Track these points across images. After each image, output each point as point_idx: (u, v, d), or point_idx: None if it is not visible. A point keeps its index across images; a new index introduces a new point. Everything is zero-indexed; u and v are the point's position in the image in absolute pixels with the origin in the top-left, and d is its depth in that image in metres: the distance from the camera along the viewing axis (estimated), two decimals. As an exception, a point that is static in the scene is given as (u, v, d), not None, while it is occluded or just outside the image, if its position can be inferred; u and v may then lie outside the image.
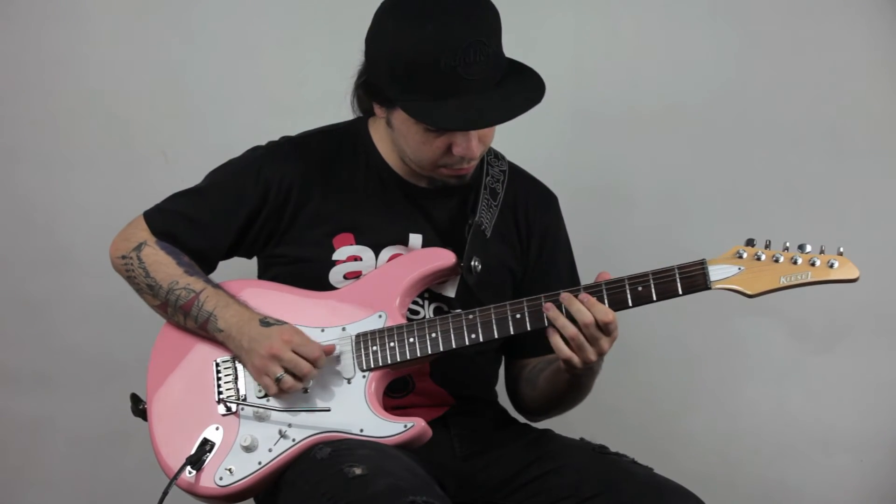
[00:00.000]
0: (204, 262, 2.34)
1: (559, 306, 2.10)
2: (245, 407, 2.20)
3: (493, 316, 2.16)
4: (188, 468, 2.17)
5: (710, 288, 2.07)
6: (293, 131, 2.42)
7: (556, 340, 2.10)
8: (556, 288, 2.17)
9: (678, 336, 3.14)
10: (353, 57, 2.28)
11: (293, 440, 2.16)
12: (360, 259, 2.29)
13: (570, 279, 2.41)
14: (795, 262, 2.05)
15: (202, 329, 2.25)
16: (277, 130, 2.44)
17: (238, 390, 2.23)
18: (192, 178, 2.40)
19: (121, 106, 3.21)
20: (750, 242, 2.08)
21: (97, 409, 3.22)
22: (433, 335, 2.18)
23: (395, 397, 2.27)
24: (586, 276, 2.38)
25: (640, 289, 2.09)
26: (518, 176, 2.42)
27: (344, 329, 2.22)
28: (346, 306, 2.24)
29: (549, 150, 3.08)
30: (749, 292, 2.06)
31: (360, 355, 2.19)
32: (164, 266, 2.28)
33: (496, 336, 2.16)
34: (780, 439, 3.16)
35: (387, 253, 2.29)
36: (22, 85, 3.22)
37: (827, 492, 3.16)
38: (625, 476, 2.16)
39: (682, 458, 3.03)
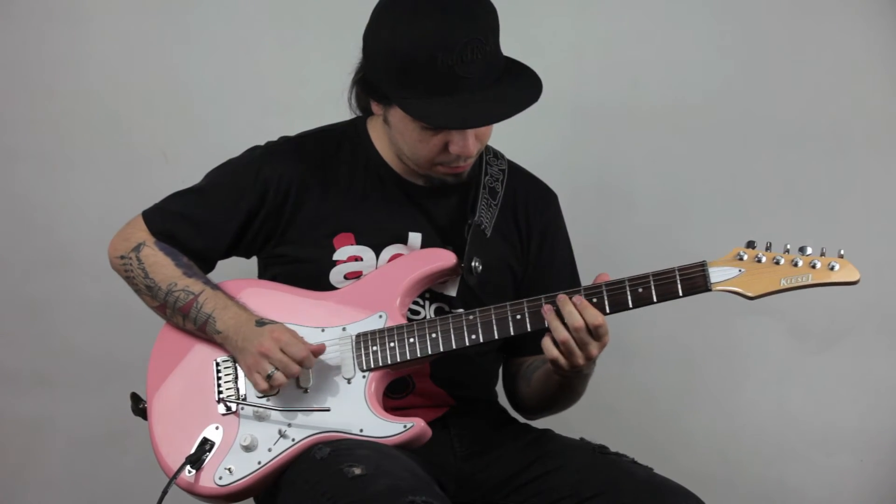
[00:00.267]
0: (203, 262, 2.34)
1: (557, 309, 2.10)
2: (245, 406, 2.20)
3: (493, 316, 2.16)
4: (188, 468, 2.17)
5: (710, 290, 2.07)
6: (293, 131, 2.42)
7: (546, 341, 2.10)
8: (556, 286, 2.18)
9: (678, 336, 3.14)
10: (352, 57, 2.28)
11: (293, 440, 2.16)
12: (361, 259, 2.29)
13: (570, 277, 2.41)
14: (796, 265, 2.05)
15: (201, 331, 2.25)
16: (277, 130, 2.44)
17: (238, 390, 2.23)
18: (191, 177, 2.40)
19: (121, 106, 3.21)
20: (750, 244, 2.08)
21: (97, 409, 3.21)
22: (433, 335, 2.17)
23: (395, 398, 2.27)
24: (586, 276, 2.37)
25: (640, 290, 2.09)
26: (517, 174, 2.42)
27: (344, 329, 2.22)
28: (346, 306, 2.24)
29: (549, 150, 3.08)
30: (749, 294, 2.06)
31: (361, 355, 2.19)
32: (162, 267, 2.28)
33: (496, 337, 2.16)
34: (779, 439, 3.16)
35: (387, 253, 2.29)
36: (22, 85, 3.22)
37: (827, 492, 3.16)
38: (625, 476, 2.16)
39: (682, 458, 3.03)
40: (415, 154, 2.24)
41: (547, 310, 2.10)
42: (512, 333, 2.15)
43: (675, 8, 3.15)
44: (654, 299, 2.08)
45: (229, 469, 2.17)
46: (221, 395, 2.23)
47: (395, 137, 2.26)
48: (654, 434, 3.15)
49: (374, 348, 2.19)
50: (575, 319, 2.07)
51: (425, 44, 2.10)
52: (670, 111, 3.15)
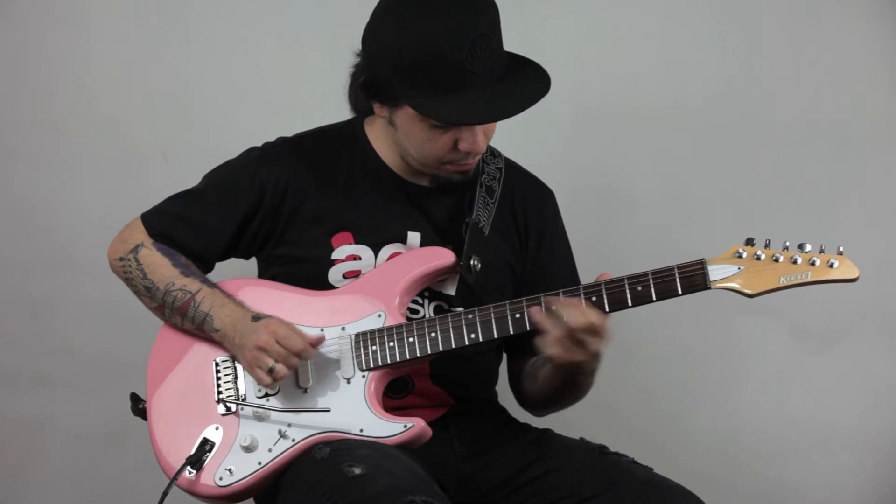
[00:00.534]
0: (201, 263, 2.34)
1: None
2: (245, 407, 2.20)
3: (492, 315, 2.16)
4: (188, 468, 2.17)
5: (709, 288, 2.07)
6: (293, 131, 2.42)
7: (539, 339, 2.09)
8: (556, 283, 2.18)
9: (678, 336, 3.14)
10: (353, 57, 2.27)
11: (293, 440, 2.16)
12: (360, 258, 2.29)
13: (569, 274, 2.41)
14: (795, 262, 2.04)
15: (199, 330, 2.25)
16: (277, 130, 2.44)
17: (238, 390, 2.23)
18: (191, 178, 2.40)
19: (120, 106, 3.21)
20: (749, 242, 2.08)
21: (97, 409, 3.21)
22: (433, 335, 2.17)
23: (394, 398, 2.27)
24: (586, 276, 2.38)
25: (639, 288, 2.08)
26: (514, 172, 2.42)
27: (343, 328, 2.22)
28: (345, 306, 2.24)
29: (550, 150, 3.08)
30: (749, 292, 2.06)
31: (360, 355, 2.19)
32: (160, 267, 2.28)
33: (496, 336, 2.16)
34: (779, 439, 3.16)
35: (386, 252, 2.29)
36: (22, 85, 3.22)
37: (827, 492, 3.16)
38: (625, 476, 2.16)
39: (682, 458, 3.03)
40: (423, 154, 2.24)
41: (535, 311, 2.10)
42: (511, 332, 2.15)
43: (675, 8, 3.15)
44: (654, 297, 2.08)
45: (229, 469, 2.17)
46: (221, 396, 2.23)
47: (400, 139, 2.26)
48: (654, 434, 3.15)
49: (374, 348, 2.19)
50: (574, 320, 2.05)
51: (433, 42, 2.09)
52: (670, 111, 3.15)
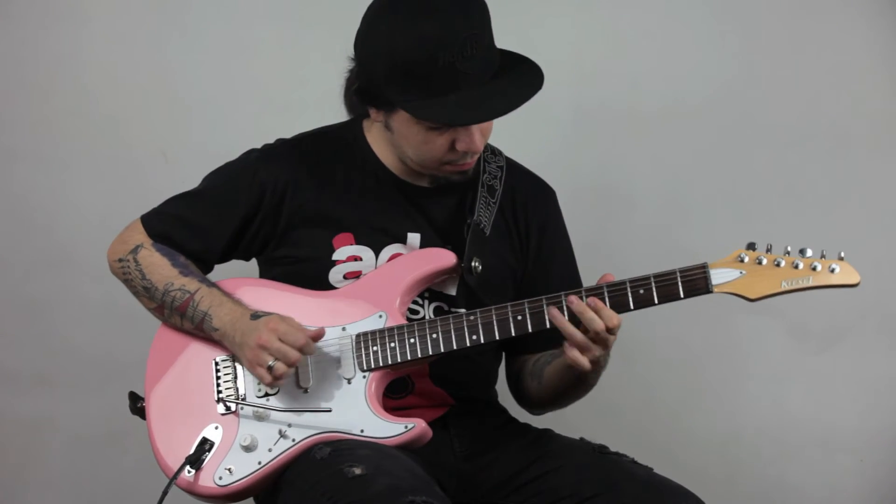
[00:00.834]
0: (200, 265, 2.34)
1: (562, 310, 2.10)
2: (244, 406, 2.20)
3: (494, 317, 2.16)
4: (188, 468, 2.17)
5: (711, 292, 2.07)
6: (293, 131, 2.42)
7: (566, 347, 2.10)
8: (556, 283, 2.19)
9: (678, 336, 3.14)
10: (350, 59, 2.27)
11: (293, 440, 2.16)
12: (360, 259, 2.29)
13: (570, 274, 2.41)
14: (797, 267, 2.04)
15: (199, 329, 2.25)
16: (277, 130, 2.44)
17: (237, 389, 2.23)
18: (192, 178, 2.40)
19: (120, 106, 3.21)
20: (751, 246, 2.08)
21: (97, 409, 3.21)
22: (434, 336, 2.17)
23: (394, 398, 2.27)
24: (587, 276, 2.37)
25: (641, 292, 2.08)
26: (515, 171, 2.42)
27: (344, 329, 2.22)
28: (346, 306, 2.24)
29: (550, 150, 3.08)
30: (750, 297, 2.06)
31: (361, 355, 2.19)
32: (159, 268, 2.28)
33: (497, 337, 2.15)
34: (780, 439, 3.16)
35: (387, 252, 2.29)
36: (22, 85, 3.22)
37: (827, 491, 3.16)
38: (625, 476, 2.16)
39: (682, 457, 3.03)
40: (421, 156, 2.24)
41: (555, 314, 2.10)
42: (513, 334, 2.15)
43: (675, 8, 3.15)
44: (656, 301, 2.08)
45: (229, 469, 2.17)
46: (221, 395, 2.22)
47: (398, 142, 2.26)
48: (654, 434, 3.16)
49: (375, 348, 2.19)
50: (596, 324, 2.07)
51: (424, 44, 2.09)
52: (670, 111, 3.15)
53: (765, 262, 2.06)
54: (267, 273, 2.36)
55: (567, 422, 2.43)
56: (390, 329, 2.19)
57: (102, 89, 3.21)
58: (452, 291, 2.30)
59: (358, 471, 1.99)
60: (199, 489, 2.18)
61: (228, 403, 2.21)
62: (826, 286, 2.04)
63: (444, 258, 2.25)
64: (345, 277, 2.28)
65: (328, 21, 3.12)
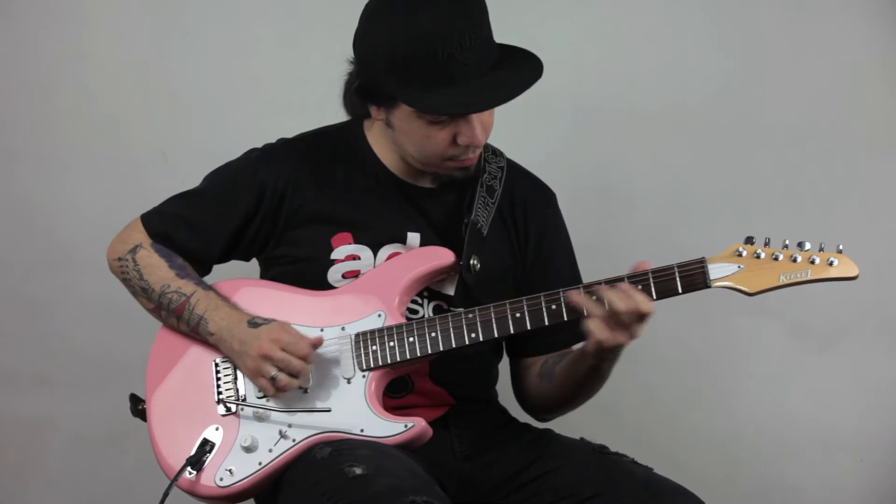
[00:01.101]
0: (199, 264, 2.34)
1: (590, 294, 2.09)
2: (245, 407, 2.20)
3: (492, 315, 2.16)
4: (188, 469, 2.17)
5: (709, 286, 2.07)
6: (293, 131, 2.42)
7: (592, 321, 2.07)
8: (556, 283, 2.18)
9: (678, 336, 3.13)
10: (351, 58, 2.27)
11: (293, 440, 2.16)
12: (359, 258, 2.29)
13: (570, 275, 2.40)
14: (795, 260, 2.04)
15: (194, 332, 2.25)
16: (277, 130, 2.44)
17: (237, 390, 2.23)
18: (191, 178, 2.40)
19: (120, 106, 3.21)
20: (749, 240, 2.08)
21: (97, 409, 3.22)
22: (433, 334, 2.17)
23: (394, 397, 2.27)
24: (587, 276, 2.37)
25: (639, 287, 2.08)
26: (515, 172, 2.42)
27: (343, 328, 2.22)
28: (344, 306, 2.24)
29: (549, 150, 3.08)
30: (748, 290, 2.06)
31: (360, 355, 2.19)
32: (156, 269, 2.28)
33: (496, 335, 2.16)
34: (780, 439, 3.16)
35: (385, 252, 2.29)
36: (22, 85, 3.22)
37: (827, 491, 3.16)
38: (625, 476, 2.16)
39: (682, 457, 3.03)
40: (423, 152, 2.24)
41: (574, 294, 2.09)
42: (512, 332, 2.15)
43: (675, 8, 3.15)
44: (654, 296, 2.08)
45: (230, 470, 2.17)
46: (221, 396, 2.22)
47: (399, 139, 2.26)
48: (654, 434, 3.16)
49: (374, 348, 2.19)
50: (618, 304, 2.05)
51: (423, 37, 2.10)
52: (670, 111, 3.15)
53: (763, 255, 2.06)
54: (266, 272, 2.37)
55: (567, 422, 2.42)
56: (389, 328, 2.19)
57: (102, 89, 3.21)
58: (451, 291, 2.30)
59: (358, 471, 1.99)
60: (200, 490, 2.18)
61: (229, 404, 2.21)
62: (824, 279, 2.04)
63: (442, 256, 2.25)
64: (343, 277, 2.28)
65: (328, 21, 3.11)
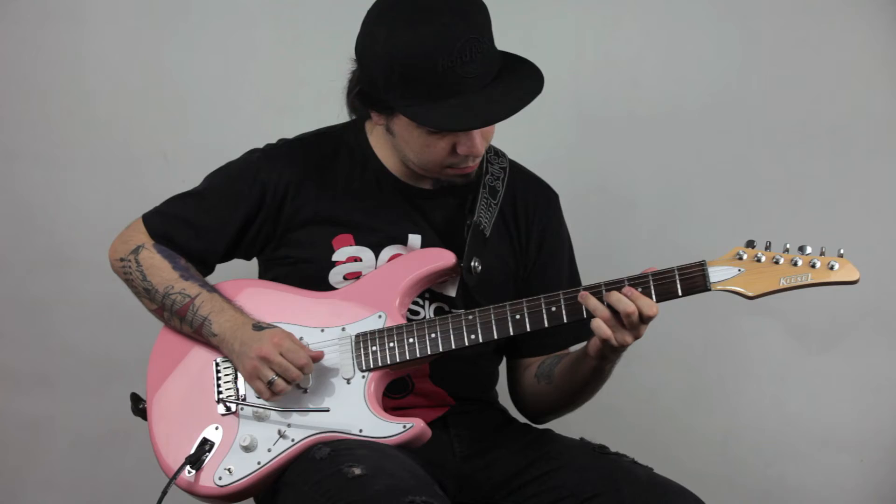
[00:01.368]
0: (201, 265, 2.34)
1: (599, 296, 2.09)
2: (244, 407, 2.20)
3: (492, 317, 2.15)
4: (188, 468, 2.17)
5: (709, 289, 2.07)
6: (293, 131, 2.42)
7: (596, 321, 2.08)
8: (556, 285, 2.18)
9: (678, 336, 3.13)
10: (351, 60, 2.27)
11: (292, 440, 2.16)
12: (360, 259, 2.29)
13: (570, 277, 2.41)
14: (796, 264, 2.04)
15: (198, 333, 2.25)
16: (277, 130, 2.44)
17: (237, 390, 2.23)
18: (191, 178, 2.40)
19: (121, 106, 3.21)
20: (750, 244, 2.08)
21: (97, 409, 3.22)
22: (433, 336, 2.17)
23: (394, 398, 2.27)
24: (588, 277, 2.37)
25: (639, 290, 2.08)
26: (518, 173, 2.42)
27: (344, 329, 2.22)
28: (345, 306, 2.24)
29: (550, 152, 3.07)
30: (749, 294, 2.06)
31: (360, 355, 2.19)
32: (159, 270, 2.28)
33: (496, 337, 2.15)
34: (780, 439, 3.16)
35: (387, 253, 2.29)
36: (22, 85, 3.22)
37: (827, 491, 3.16)
38: (625, 476, 2.16)
39: (682, 457, 3.03)
40: (422, 160, 2.24)
41: (584, 296, 2.09)
42: (511, 333, 2.15)
43: (676, 8, 3.15)
44: (654, 299, 2.08)
45: (229, 469, 2.17)
46: (221, 396, 2.23)
47: (399, 145, 2.26)
48: (655, 434, 3.16)
49: (374, 348, 2.19)
50: (625, 305, 2.05)
51: (423, 49, 2.09)
52: (670, 112, 3.15)
53: (763, 259, 2.06)
54: (267, 273, 2.37)
55: (567, 422, 2.42)
56: (389, 329, 2.19)
57: (102, 89, 3.21)
58: (453, 292, 2.30)
59: (358, 471, 1.99)
60: (199, 489, 2.18)
61: (228, 404, 2.21)
62: (825, 283, 2.03)
63: (443, 258, 2.25)
64: (345, 278, 2.28)
65: (328, 21, 3.13)
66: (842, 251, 2.04)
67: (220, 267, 2.40)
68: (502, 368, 2.46)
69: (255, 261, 2.42)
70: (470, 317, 2.17)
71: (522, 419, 2.43)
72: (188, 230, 2.32)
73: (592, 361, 2.17)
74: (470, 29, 2.11)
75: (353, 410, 2.16)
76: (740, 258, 2.07)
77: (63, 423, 3.25)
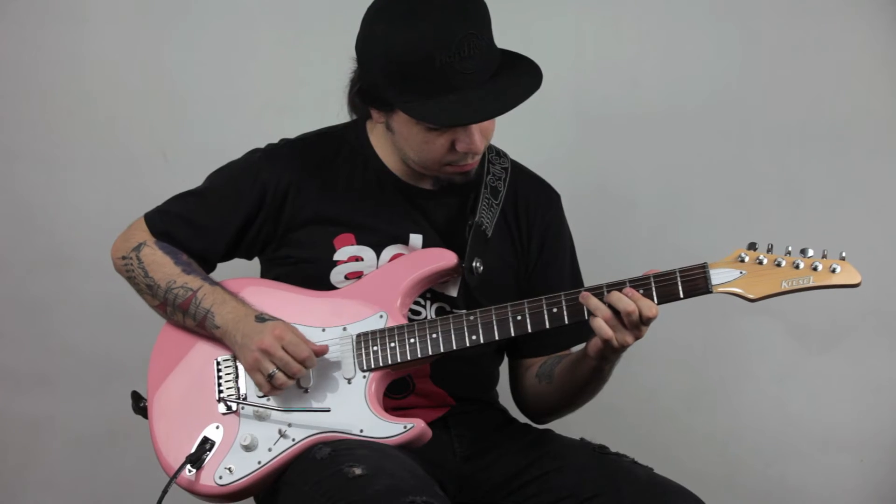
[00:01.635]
0: (203, 263, 2.34)
1: (600, 297, 2.09)
2: (245, 406, 2.20)
3: (493, 317, 2.15)
4: (188, 467, 2.17)
5: (711, 292, 2.07)
6: (293, 131, 2.42)
7: (597, 320, 2.08)
8: (558, 286, 2.18)
9: (678, 336, 3.13)
10: (352, 57, 2.27)
11: (293, 440, 2.16)
12: (362, 259, 2.29)
13: (571, 277, 2.41)
14: (797, 267, 2.04)
15: (200, 327, 2.25)
16: (277, 130, 2.44)
17: (238, 389, 2.23)
18: (192, 178, 2.40)
19: (121, 106, 3.21)
20: (752, 246, 2.07)
21: (97, 409, 3.22)
22: (434, 336, 2.17)
23: (395, 398, 2.27)
24: (588, 278, 2.37)
25: (641, 291, 2.08)
26: (520, 174, 2.42)
27: (345, 329, 2.22)
28: (347, 306, 2.24)
29: (551, 152, 3.07)
30: (750, 296, 2.05)
31: (361, 355, 2.19)
32: (161, 266, 2.29)
33: (497, 337, 2.15)
34: (780, 439, 3.16)
35: (388, 253, 2.29)
36: (22, 85, 3.22)
37: (827, 491, 3.16)
38: (625, 476, 2.16)
39: (682, 458, 3.03)
40: (422, 157, 2.24)
41: (585, 296, 2.09)
42: (513, 334, 2.15)
43: (676, 8, 3.15)
44: (655, 300, 2.08)
45: (229, 468, 2.17)
46: (222, 395, 2.23)
47: (399, 143, 2.26)
48: (655, 434, 3.16)
49: (375, 348, 2.19)
50: (625, 304, 2.05)
51: (421, 45, 2.09)
52: (671, 112, 3.15)
53: (765, 261, 2.05)
54: (268, 272, 2.37)
55: (567, 422, 2.43)
56: (390, 329, 2.19)
57: (102, 89, 3.21)
58: (454, 293, 2.30)
59: (358, 471, 1.99)
60: (200, 488, 2.18)
61: (229, 403, 2.21)
62: (827, 286, 2.03)
63: (444, 258, 2.25)
64: (346, 278, 2.28)
65: (328, 21, 3.13)
66: (844, 254, 2.04)
67: (220, 266, 2.40)
68: (503, 369, 2.46)
69: (256, 260, 2.42)
70: (471, 317, 2.17)
71: (523, 419, 2.43)
72: (189, 229, 2.32)
73: (592, 362, 2.17)
74: (468, 25, 2.11)
75: (354, 410, 2.16)
76: (742, 260, 2.07)
77: (63, 423, 3.25)
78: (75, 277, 3.21)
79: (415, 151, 2.24)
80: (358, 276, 2.27)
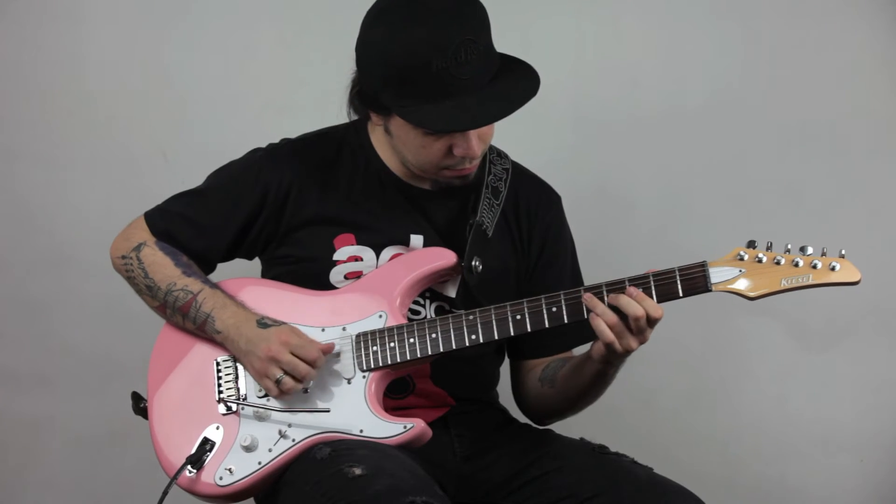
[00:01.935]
0: (203, 263, 2.34)
1: (601, 297, 2.08)
2: (245, 406, 2.20)
3: (493, 317, 2.15)
4: (188, 467, 2.17)
5: (710, 290, 2.07)
6: (293, 131, 2.42)
7: (600, 324, 2.07)
8: (558, 286, 2.17)
9: (678, 336, 3.13)
10: (352, 57, 2.27)
11: (293, 440, 2.16)
12: (361, 259, 2.29)
13: (572, 278, 2.41)
14: (797, 265, 2.04)
15: (200, 330, 2.25)
16: (277, 130, 2.44)
17: (238, 390, 2.23)
18: (192, 178, 2.40)
19: (120, 106, 3.21)
20: (751, 244, 2.07)
21: (97, 409, 3.22)
22: (433, 335, 2.17)
23: (395, 398, 2.27)
24: (588, 278, 2.37)
25: (640, 290, 2.08)
26: (521, 175, 2.42)
27: (344, 329, 2.22)
28: (346, 306, 2.24)
29: (551, 153, 3.07)
30: (750, 295, 2.05)
31: (361, 355, 2.19)
32: (162, 267, 2.29)
33: (496, 337, 2.15)
34: (780, 439, 3.16)
35: (388, 253, 2.29)
36: (22, 85, 3.22)
37: (827, 491, 3.16)
38: (625, 476, 2.16)
39: (682, 458, 3.03)
40: (419, 161, 2.24)
41: (590, 298, 2.09)
42: (512, 333, 2.15)
43: (676, 8, 3.15)
44: (655, 299, 2.08)
45: (230, 469, 2.17)
46: (222, 395, 2.23)
47: (397, 146, 2.26)
48: (655, 434, 3.16)
49: (374, 348, 2.19)
50: (634, 309, 2.05)
51: (418, 50, 2.09)
52: (671, 113, 3.15)
53: (764, 260, 2.05)
54: (269, 272, 2.37)
55: (567, 422, 2.42)
56: (390, 329, 2.19)
57: (102, 89, 3.21)
58: (454, 292, 2.30)
59: (358, 471, 1.99)
60: (200, 489, 2.18)
61: (229, 403, 2.21)
62: (826, 284, 2.03)
63: (444, 257, 2.25)
64: (346, 277, 2.28)
65: (328, 21, 3.13)
66: (843, 252, 2.04)
67: (220, 266, 2.40)
68: (503, 369, 2.46)
69: (256, 260, 2.42)
70: (471, 317, 2.17)
71: (523, 419, 2.43)
72: (190, 228, 2.32)
73: (596, 365, 2.17)
74: (465, 30, 2.11)
75: (354, 410, 2.16)
76: (741, 259, 2.07)
77: (63, 423, 3.25)
78: (75, 277, 3.21)
79: (412, 155, 2.24)
80: (357, 275, 2.27)
